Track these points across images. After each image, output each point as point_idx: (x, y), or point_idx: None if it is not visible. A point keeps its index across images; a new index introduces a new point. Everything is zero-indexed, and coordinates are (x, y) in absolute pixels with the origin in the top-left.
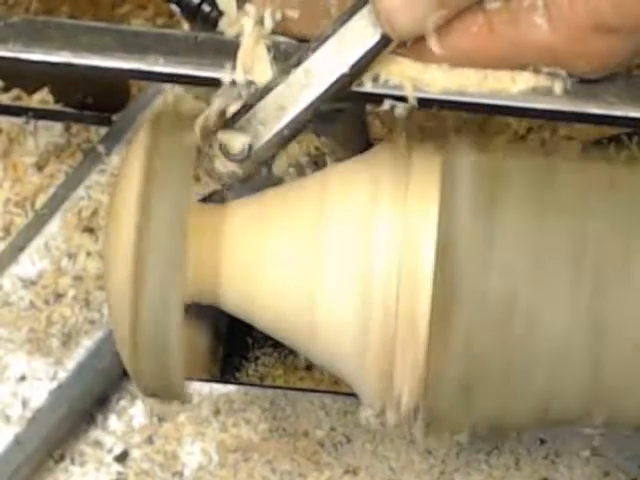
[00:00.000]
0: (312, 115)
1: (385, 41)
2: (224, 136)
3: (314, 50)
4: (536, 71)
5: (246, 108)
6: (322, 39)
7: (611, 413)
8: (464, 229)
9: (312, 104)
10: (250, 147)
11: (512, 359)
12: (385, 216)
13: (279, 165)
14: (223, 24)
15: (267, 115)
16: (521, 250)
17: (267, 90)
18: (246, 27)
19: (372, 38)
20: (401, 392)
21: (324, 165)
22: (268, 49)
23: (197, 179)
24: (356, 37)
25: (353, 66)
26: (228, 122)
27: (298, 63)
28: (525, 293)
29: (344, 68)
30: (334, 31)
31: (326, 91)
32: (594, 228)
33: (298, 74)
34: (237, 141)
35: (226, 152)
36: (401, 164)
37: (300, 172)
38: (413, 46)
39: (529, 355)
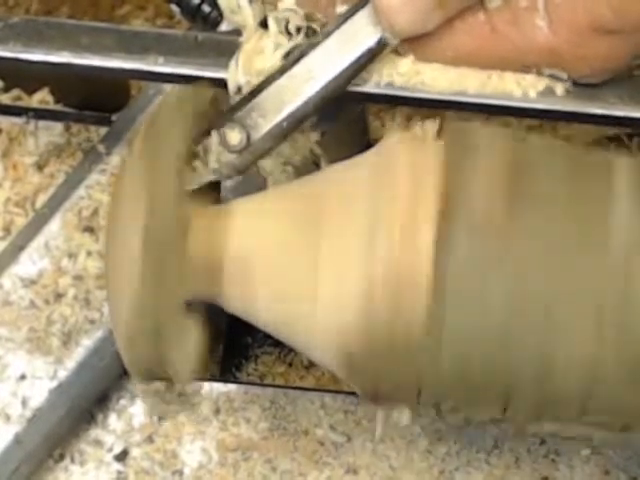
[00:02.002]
0: (312, 110)
1: (385, 40)
2: (223, 127)
3: (316, 45)
4: (539, 74)
5: (246, 100)
6: (324, 35)
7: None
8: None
9: (312, 99)
10: (249, 138)
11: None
12: (386, 212)
13: (269, 164)
14: (223, 24)
15: (267, 107)
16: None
17: (268, 83)
18: (248, 28)
19: (372, 37)
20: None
21: (324, 165)
22: (272, 47)
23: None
24: (357, 35)
25: (353, 64)
26: (227, 113)
27: (300, 57)
28: None
29: (344, 65)
30: (336, 27)
31: (326, 87)
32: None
33: (299, 68)
34: (236, 132)
35: (225, 143)
36: (403, 160)
37: (299, 172)
38: (416, 46)
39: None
